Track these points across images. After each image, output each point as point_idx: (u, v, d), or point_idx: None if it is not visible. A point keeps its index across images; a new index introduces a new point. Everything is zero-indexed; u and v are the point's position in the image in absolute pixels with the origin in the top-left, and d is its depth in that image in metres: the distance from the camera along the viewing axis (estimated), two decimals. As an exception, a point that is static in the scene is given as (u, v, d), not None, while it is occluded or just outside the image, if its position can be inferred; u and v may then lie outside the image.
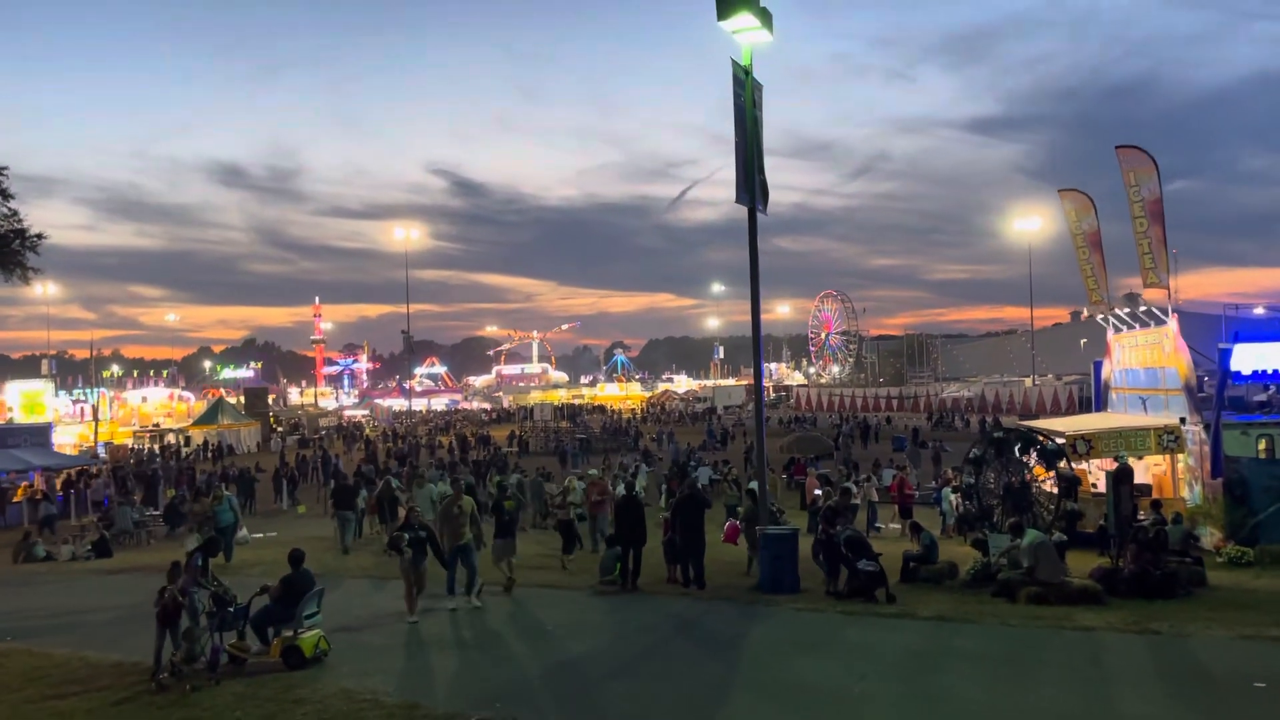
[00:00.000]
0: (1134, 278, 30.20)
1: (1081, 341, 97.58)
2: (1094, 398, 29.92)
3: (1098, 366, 29.35)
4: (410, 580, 13.47)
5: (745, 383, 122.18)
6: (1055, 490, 18.21)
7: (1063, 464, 16.79)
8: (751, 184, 15.61)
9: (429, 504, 20.09)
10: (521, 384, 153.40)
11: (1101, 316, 27.20)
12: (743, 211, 15.87)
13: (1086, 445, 20.68)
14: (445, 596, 14.33)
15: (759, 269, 16.16)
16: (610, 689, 9.97)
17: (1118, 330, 26.38)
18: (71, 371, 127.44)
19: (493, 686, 10.15)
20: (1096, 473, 22.56)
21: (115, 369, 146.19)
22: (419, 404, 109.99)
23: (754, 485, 18.45)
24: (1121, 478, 15.68)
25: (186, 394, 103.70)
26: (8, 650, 12.72)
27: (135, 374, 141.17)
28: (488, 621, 13.50)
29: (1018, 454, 17.32)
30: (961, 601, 13.81)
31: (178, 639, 10.94)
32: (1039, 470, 19.06)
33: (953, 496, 21.18)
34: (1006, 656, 10.65)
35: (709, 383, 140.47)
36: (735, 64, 15.47)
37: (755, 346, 16.21)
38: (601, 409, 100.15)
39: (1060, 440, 18.72)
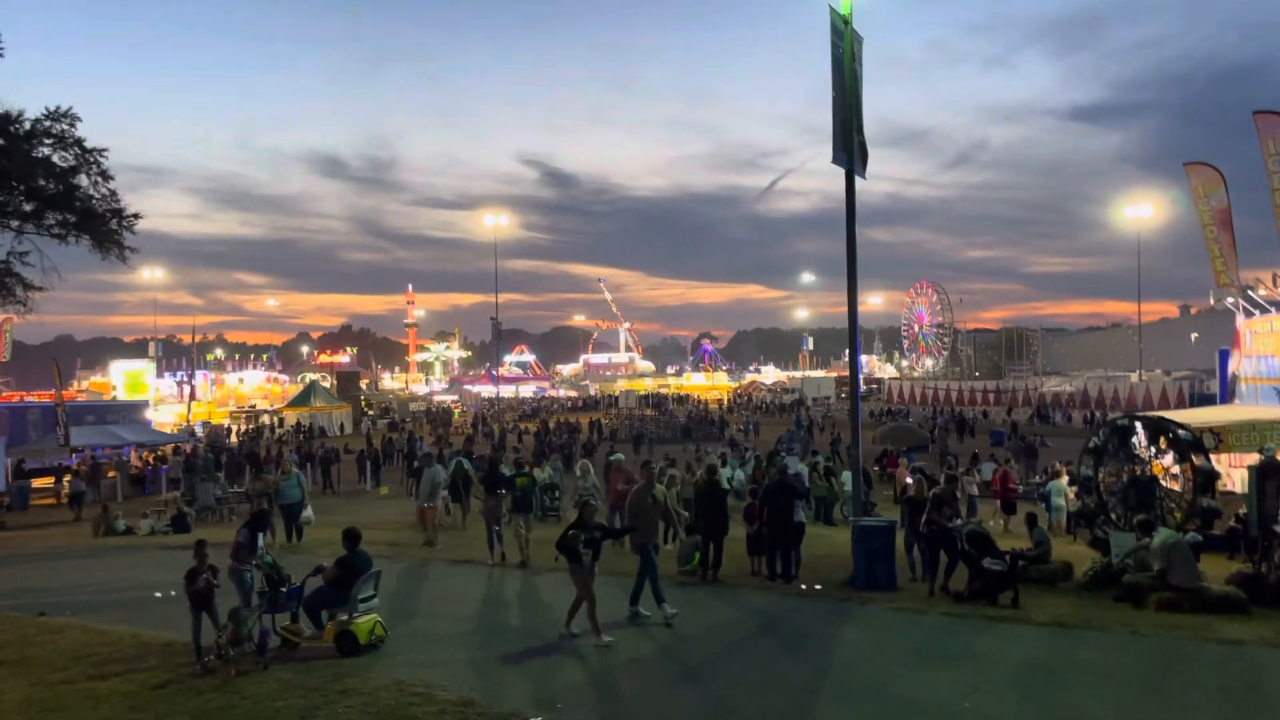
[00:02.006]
0: (1254, 270, 27.83)
1: (1192, 336, 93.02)
2: (1219, 389, 27.74)
3: (1224, 356, 27.18)
4: (591, 593, 10.93)
5: (835, 374, 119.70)
6: (1179, 485, 16.49)
7: (1198, 456, 15.07)
8: (850, 144, 14.33)
9: (430, 486, 19.30)
10: (608, 373, 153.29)
11: (1231, 300, 25.06)
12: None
13: (1215, 438, 18.83)
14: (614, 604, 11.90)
15: (856, 237, 14.89)
16: (684, 693, 8.92)
17: (1249, 315, 24.24)
18: (178, 355, 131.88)
19: (556, 684, 9.19)
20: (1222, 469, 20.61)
21: (219, 353, 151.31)
22: (507, 390, 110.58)
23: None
24: (1268, 472, 13.93)
25: (282, 376, 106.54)
26: (64, 626, 12.31)
27: (236, 358, 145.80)
28: (557, 613, 12.56)
29: (1146, 444, 15.62)
30: (1081, 606, 12.35)
31: (216, 620, 10.28)
32: (1156, 468, 17.35)
33: (1069, 490, 19.49)
34: (1143, 673, 9.22)
35: (797, 374, 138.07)
36: (834, 12, 14.18)
37: (851, 318, 14.93)
38: (686, 398, 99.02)
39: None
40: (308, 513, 18.11)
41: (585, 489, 18.88)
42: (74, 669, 10.15)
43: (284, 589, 10.78)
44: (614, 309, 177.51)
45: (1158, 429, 15.53)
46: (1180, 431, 15.29)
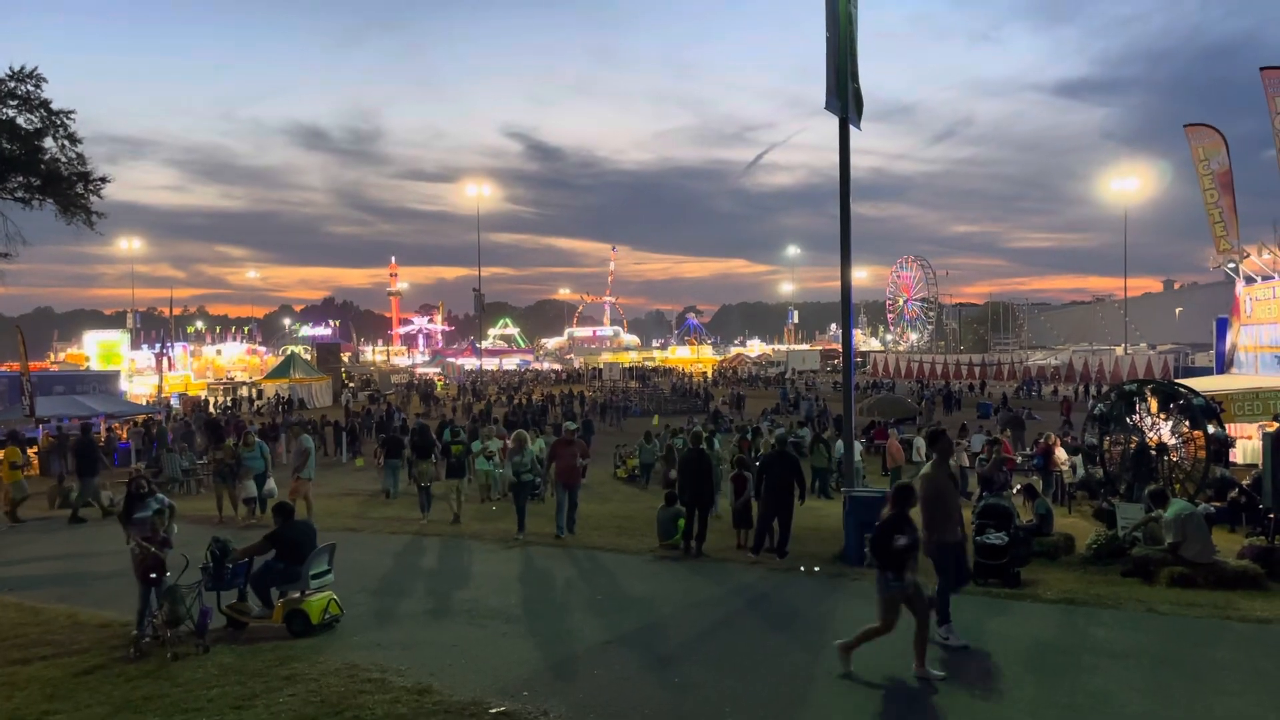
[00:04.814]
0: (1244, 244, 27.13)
1: (1176, 310, 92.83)
2: (1215, 358, 27.07)
3: (1221, 324, 26.50)
4: (895, 621, 7.91)
5: (820, 348, 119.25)
6: (1177, 455, 15.72)
7: (1212, 423, 14.32)
8: (843, 90, 13.39)
9: (300, 457, 17.43)
10: (593, 346, 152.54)
11: (1231, 266, 24.33)
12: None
13: (1217, 407, 18.13)
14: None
15: (850, 192, 13.98)
16: (664, 677, 8.08)
17: (1250, 282, 23.53)
18: (158, 327, 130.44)
19: (524, 668, 8.35)
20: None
21: (199, 325, 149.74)
22: (490, 363, 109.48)
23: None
24: (1284, 441, 13.18)
25: (262, 348, 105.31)
26: (-4, 604, 11.40)
27: (217, 330, 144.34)
28: (528, 590, 11.77)
29: (1154, 411, 14.86)
30: (1088, 581, 11.62)
31: (159, 598, 9.37)
32: (1152, 439, 16.62)
33: (1064, 461, 18.79)
34: (1166, 653, 8.45)
35: (782, 347, 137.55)
36: (828, -54, 13.21)
37: (844, 282, 14.04)
38: (671, 371, 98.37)
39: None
40: (270, 484, 17.22)
41: (520, 464, 15.64)
42: (-4, 652, 9.27)
43: (230, 564, 9.93)
44: (609, 280, 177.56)
45: (1168, 395, 14.77)
46: (1193, 398, 14.53)
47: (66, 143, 32.45)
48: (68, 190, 33.12)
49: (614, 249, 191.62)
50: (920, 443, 23.51)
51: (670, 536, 13.92)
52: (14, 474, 19.55)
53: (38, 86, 31.68)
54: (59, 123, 32.49)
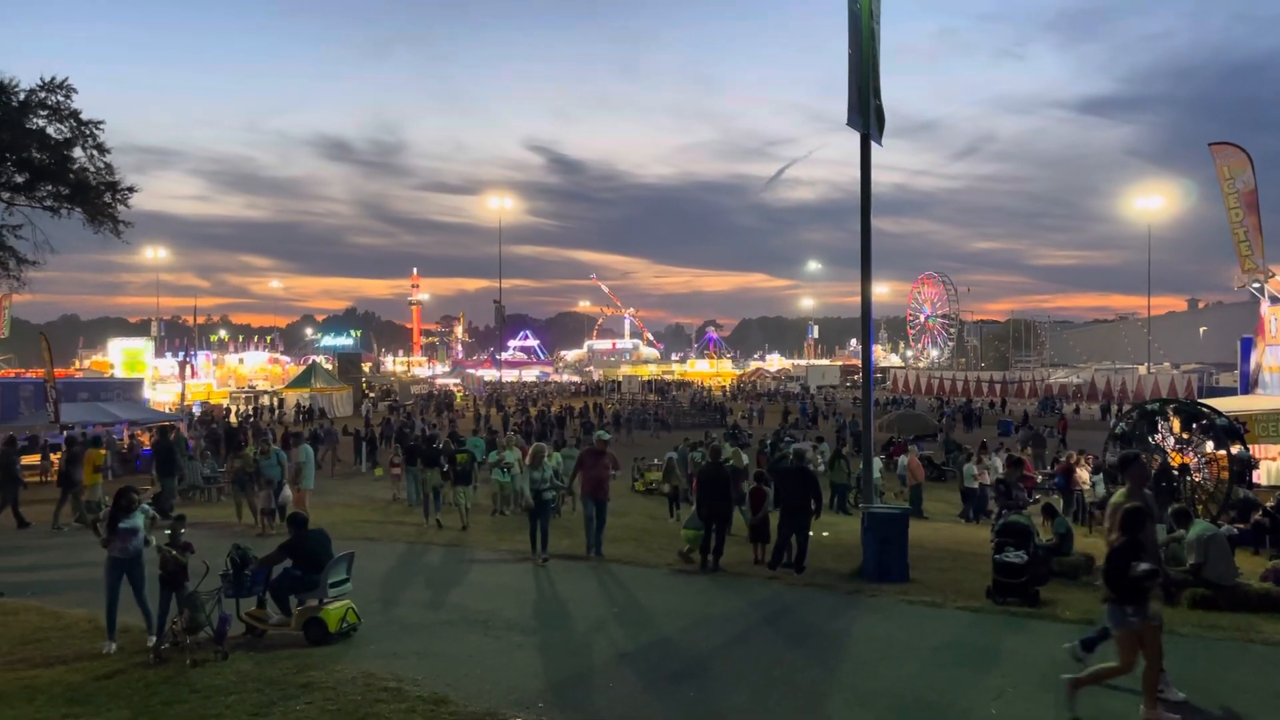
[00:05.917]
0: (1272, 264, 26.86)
1: (1201, 329, 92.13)
2: (1240, 379, 26.79)
3: (1246, 344, 26.24)
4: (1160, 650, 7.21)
5: (840, 363, 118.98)
6: (1200, 476, 15.57)
7: (1235, 444, 14.19)
8: (865, 107, 13.41)
9: (296, 467, 17.80)
10: (612, 359, 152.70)
11: (1257, 285, 24.11)
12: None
13: (1240, 428, 17.95)
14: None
15: (870, 208, 13.98)
16: (677, 692, 8.08)
17: (1275, 302, 23.32)
18: (182, 335, 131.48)
19: (539, 680, 8.38)
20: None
21: (222, 334, 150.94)
22: (510, 375, 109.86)
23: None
24: (1308, 462, 13.06)
25: (284, 357, 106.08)
26: (20, 608, 11.49)
27: (240, 339, 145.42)
28: (545, 602, 11.80)
29: (1177, 430, 14.74)
30: (1108, 602, 11.49)
31: (180, 604, 9.45)
32: (1175, 458, 16.47)
33: (1087, 479, 18.64)
34: (1185, 676, 8.31)
35: (802, 362, 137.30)
36: (850, -37, 13.25)
37: (864, 299, 14.02)
38: (690, 385, 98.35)
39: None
40: (286, 492, 17.32)
41: (540, 480, 14.40)
42: (19, 655, 9.36)
43: (249, 571, 10.01)
44: (615, 300, 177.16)
45: (1191, 415, 14.64)
46: (1217, 417, 14.40)
47: (95, 152, 32.87)
48: (96, 199, 33.55)
49: (594, 276, 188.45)
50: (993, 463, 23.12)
51: (692, 546, 13.83)
52: (95, 477, 19.74)
53: (68, 97, 32.15)
54: (88, 133, 32.93)
